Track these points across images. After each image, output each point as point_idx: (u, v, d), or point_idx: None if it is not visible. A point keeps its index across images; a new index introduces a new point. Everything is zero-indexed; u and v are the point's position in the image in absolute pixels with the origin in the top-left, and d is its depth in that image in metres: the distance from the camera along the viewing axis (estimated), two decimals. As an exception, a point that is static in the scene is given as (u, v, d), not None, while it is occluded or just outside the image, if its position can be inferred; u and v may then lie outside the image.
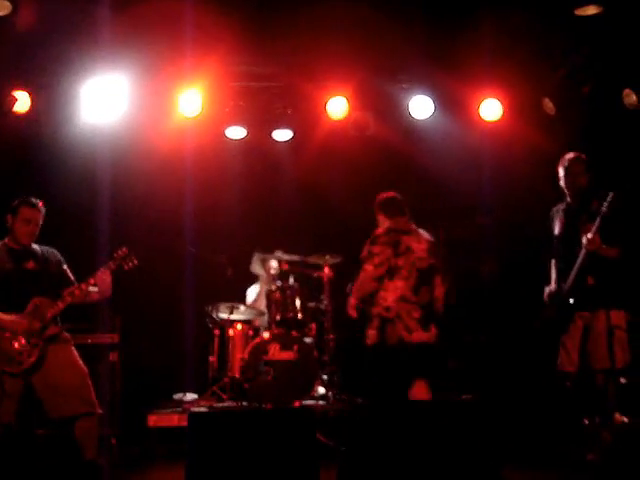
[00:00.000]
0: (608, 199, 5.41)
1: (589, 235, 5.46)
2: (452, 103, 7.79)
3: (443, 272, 5.85)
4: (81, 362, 5.47)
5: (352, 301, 5.90)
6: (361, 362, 5.98)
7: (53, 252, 5.65)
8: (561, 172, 5.83)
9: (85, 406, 5.34)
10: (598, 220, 5.44)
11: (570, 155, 5.84)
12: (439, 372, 5.82)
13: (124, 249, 5.68)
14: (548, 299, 5.83)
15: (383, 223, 5.96)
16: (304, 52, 7.05)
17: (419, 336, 5.56)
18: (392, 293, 5.64)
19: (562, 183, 5.85)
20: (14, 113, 7.12)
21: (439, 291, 5.80)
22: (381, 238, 5.82)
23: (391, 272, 5.68)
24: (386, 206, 6.02)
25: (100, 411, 5.45)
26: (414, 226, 5.98)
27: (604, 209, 5.40)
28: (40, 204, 5.51)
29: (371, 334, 5.71)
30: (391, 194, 6.08)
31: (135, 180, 7.89)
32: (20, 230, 5.44)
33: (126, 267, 5.65)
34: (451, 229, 8.28)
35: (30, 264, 5.48)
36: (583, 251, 5.51)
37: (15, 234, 5.45)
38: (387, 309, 5.62)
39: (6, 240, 5.48)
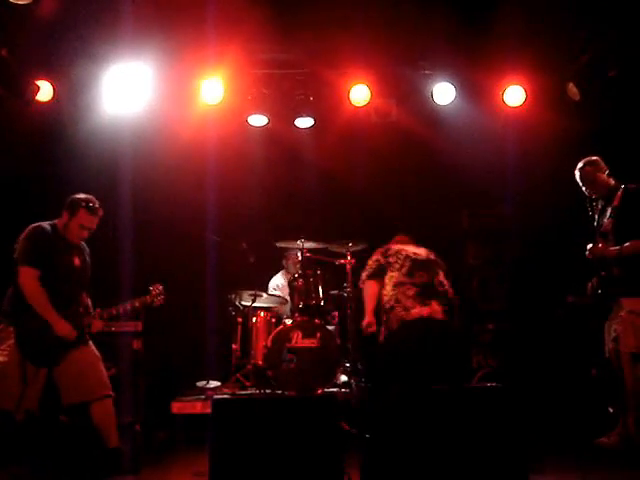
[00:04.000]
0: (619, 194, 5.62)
1: (588, 246, 5.71)
2: (474, 89, 7.74)
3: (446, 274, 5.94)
4: (94, 347, 5.49)
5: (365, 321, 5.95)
6: (377, 360, 6.01)
7: (87, 248, 5.63)
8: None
9: (99, 390, 5.35)
10: (607, 221, 5.58)
11: (578, 166, 5.94)
12: (452, 348, 5.81)
13: (159, 287, 5.72)
14: (589, 290, 5.91)
15: None
16: (326, 39, 7.03)
17: (418, 311, 5.57)
18: (388, 285, 5.77)
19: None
20: (37, 102, 7.14)
21: (442, 277, 5.87)
22: (372, 256, 6.04)
23: (380, 271, 5.86)
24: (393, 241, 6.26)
25: (113, 394, 5.46)
26: (413, 242, 6.21)
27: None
28: (100, 210, 5.42)
29: (381, 331, 5.80)
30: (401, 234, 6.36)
31: (157, 168, 7.90)
32: (73, 232, 5.37)
33: (156, 303, 5.70)
34: (473, 217, 8.25)
35: (76, 260, 5.46)
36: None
37: (68, 231, 5.37)
38: (388, 298, 5.71)
39: (58, 225, 5.40)
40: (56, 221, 5.41)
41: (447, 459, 4.21)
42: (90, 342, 5.49)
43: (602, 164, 5.91)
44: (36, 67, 7.01)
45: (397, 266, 5.80)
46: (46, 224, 5.35)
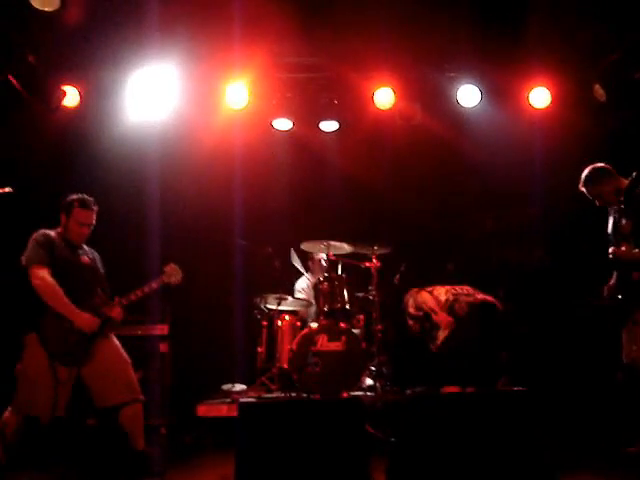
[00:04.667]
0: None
1: (610, 249, 5.67)
2: (499, 91, 7.71)
3: None
4: (123, 351, 5.54)
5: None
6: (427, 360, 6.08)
7: (95, 253, 5.73)
8: None
9: (130, 394, 5.41)
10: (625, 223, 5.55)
11: (580, 185, 5.94)
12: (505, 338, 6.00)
13: (173, 265, 5.75)
14: (606, 292, 5.83)
15: None
16: (351, 42, 7.02)
17: (482, 297, 5.91)
18: (439, 291, 6.00)
19: None
20: (63, 107, 7.21)
21: None
22: None
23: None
24: None
25: (143, 398, 5.51)
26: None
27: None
28: (94, 205, 5.51)
29: (442, 331, 5.87)
30: None
31: (183, 173, 7.94)
32: (73, 231, 5.47)
33: (174, 282, 5.73)
34: (500, 218, 8.21)
35: (84, 258, 5.54)
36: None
37: (68, 232, 5.47)
38: (447, 297, 5.93)
39: (60, 230, 5.51)
40: (57, 229, 5.51)
41: (473, 464, 4.18)
42: (116, 341, 5.55)
43: (603, 173, 5.84)
44: (63, 73, 7.08)
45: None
46: (48, 230, 5.47)
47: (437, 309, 5.95)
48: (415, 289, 6.27)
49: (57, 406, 5.21)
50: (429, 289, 6.23)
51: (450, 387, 5.63)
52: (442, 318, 5.96)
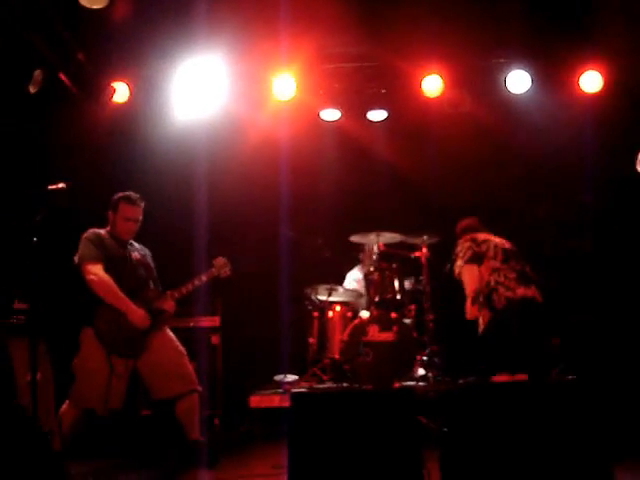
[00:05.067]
0: None
1: None
2: (550, 76, 7.57)
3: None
4: (178, 343, 5.61)
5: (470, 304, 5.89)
6: (476, 348, 6.00)
7: (146, 249, 5.83)
8: None
9: (186, 385, 5.48)
10: None
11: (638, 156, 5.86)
12: (549, 330, 5.88)
13: (221, 258, 5.82)
14: None
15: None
16: (397, 31, 6.96)
17: (523, 291, 5.68)
18: (485, 271, 5.78)
19: None
20: (113, 103, 7.29)
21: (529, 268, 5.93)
22: (459, 242, 6.05)
23: (478, 258, 5.83)
24: (466, 229, 6.20)
25: (200, 389, 5.58)
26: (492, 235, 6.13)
27: None
28: (140, 200, 5.61)
29: (482, 318, 5.78)
30: (470, 220, 6.29)
31: (231, 165, 7.97)
32: (121, 227, 5.57)
33: (223, 275, 5.79)
34: (551, 207, 8.09)
35: (135, 254, 5.64)
36: None
37: (116, 229, 5.57)
38: (487, 284, 5.72)
39: (108, 229, 5.61)
40: (106, 228, 5.61)
41: (526, 454, 4.13)
42: (170, 332, 5.62)
43: None
44: (112, 69, 7.16)
45: (491, 254, 5.80)
46: (98, 229, 5.59)
47: (472, 293, 5.84)
48: (469, 242, 5.99)
49: (112, 398, 5.31)
50: (482, 249, 5.96)
51: (500, 375, 5.56)
52: (468, 309, 5.87)
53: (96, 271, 5.34)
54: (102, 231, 5.56)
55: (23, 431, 3.98)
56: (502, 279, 5.70)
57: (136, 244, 5.75)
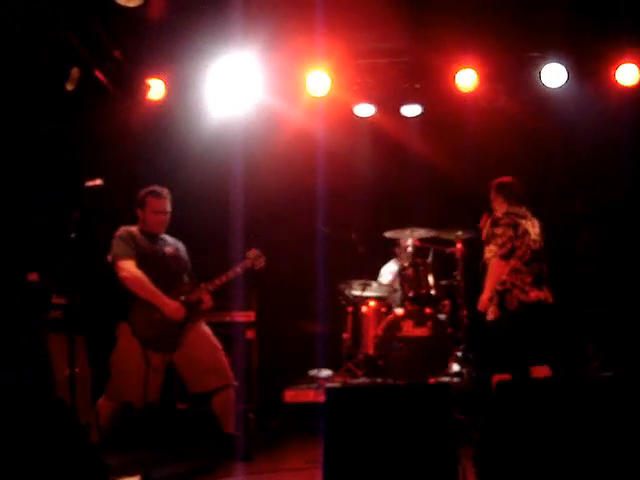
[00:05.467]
0: None
1: None
2: (585, 69, 7.49)
3: None
4: (214, 337, 5.64)
5: (486, 295, 5.84)
6: (485, 339, 5.97)
7: (180, 243, 5.85)
8: None
9: (222, 380, 5.52)
10: None
11: None
12: (560, 333, 5.90)
13: (255, 250, 5.83)
14: None
15: (500, 206, 6.01)
16: (432, 25, 6.94)
17: (536, 294, 5.67)
18: (505, 269, 5.74)
19: None
20: (149, 101, 7.35)
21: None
22: (502, 220, 5.87)
23: (510, 254, 5.77)
24: (506, 190, 6.07)
25: (236, 383, 5.62)
26: (530, 213, 5.99)
27: None
28: (165, 192, 5.65)
29: (492, 310, 5.77)
30: (511, 179, 6.13)
31: (266, 161, 7.99)
32: (151, 221, 5.61)
33: (257, 266, 5.79)
34: (588, 200, 8.01)
35: (167, 249, 5.68)
36: None
37: (147, 224, 5.62)
38: (503, 283, 5.69)
39: (140, 226, 5.66)
40: (137, 225, 5.67)
41: (563, 450, 4.10)
42: (206, 327, 5.66)
43: None
44: (147, 66, 7.21)
45: (520, 253, 5.75)
46: (130, 227, 5.64)
47: (492, 289, 5.80)
48: (511, 230, 5.92)
49: (149, 392, 5.36)
50: (517, 244, 5.88)
51: (540, 369, 5.53)
52: (485, 302, 5.84)
53: (128, 268, 5.39)
54: (133, 228, 5.62)
55: (62, 423, 4.03)
56: (519, 282, 5.69)
57: (169, 238, 5.78)
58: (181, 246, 5.84)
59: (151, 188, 5.64)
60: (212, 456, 5.73)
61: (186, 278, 5.69)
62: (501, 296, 5.69)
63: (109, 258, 5.50)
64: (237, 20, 6.62)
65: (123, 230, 5.57)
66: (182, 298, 5.48)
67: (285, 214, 8.27)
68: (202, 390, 5.56)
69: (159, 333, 5.39)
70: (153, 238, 5.64)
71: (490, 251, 5.83)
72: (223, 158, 7.80)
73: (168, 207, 5.66)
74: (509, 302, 5.65)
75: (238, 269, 5.72)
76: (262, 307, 7.09)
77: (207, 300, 5.61)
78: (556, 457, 4.10)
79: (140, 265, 5.43)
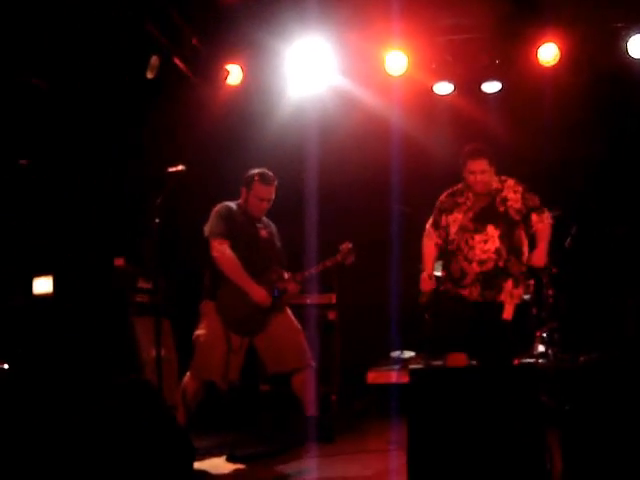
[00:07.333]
0: None
1: None
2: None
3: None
4: (296, 321, 5.66)
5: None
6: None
7: (273, 225, 5.83)
8: None
9: (301, 360, 5.54)
10: None
11: None
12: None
13: (349, 245, 5.75)
14: None
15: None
16: (510, -1, 6.79)
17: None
18: None
19: None
20: (228, 86, 7.41)
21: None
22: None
23: None
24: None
25: (314, 364, 5.63)
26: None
27: None
28: (273, 179, 5.60)
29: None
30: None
31: (344, 141, 7.97)
32: (253, 206, 5.59)
33: (347, 262, 5.74)
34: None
35: (263, 232, 5.68)
36: None
37: (248, 206, 5.61)
38: None
39: (240, 202, 5.65)
40: (238, 201, 5.62)
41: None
42: (288, 310, 5.68)
43: None
44: (225, 52, 7.27)
45: None
46: (230, 202, 5.59)
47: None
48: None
49: (231, 372, 5.42)
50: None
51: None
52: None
53: (222, 249, 5.40)
54: (233, 205, 5.61)
55: (149, 405, 4.11)
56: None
57: (265, 220, 5.77)
58: (274, 229, 5.82)
59: (260, 171, 5.58)
60: (294, 437, 5.77)
61: (276, 265, 5.68)
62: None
63: (205, 231, 5.51)
64: (313, 2, 6.60)
65: (223, 206, 5.57)
66: (274, 289, 5.50)
67: (363, 193, 8.23)
68: (280, 370, 5.59)
69: (242, 317, 5.43)
70: (251, 219, 5.63)
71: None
72: (301, 141, 7.83)
73: (273, 195, 5.61)
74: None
75: (328, 263, 5.69)
76: (343, 289, 7.09)
77: (294, 289, 5.62)
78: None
79: (234, 246, 5.44)
